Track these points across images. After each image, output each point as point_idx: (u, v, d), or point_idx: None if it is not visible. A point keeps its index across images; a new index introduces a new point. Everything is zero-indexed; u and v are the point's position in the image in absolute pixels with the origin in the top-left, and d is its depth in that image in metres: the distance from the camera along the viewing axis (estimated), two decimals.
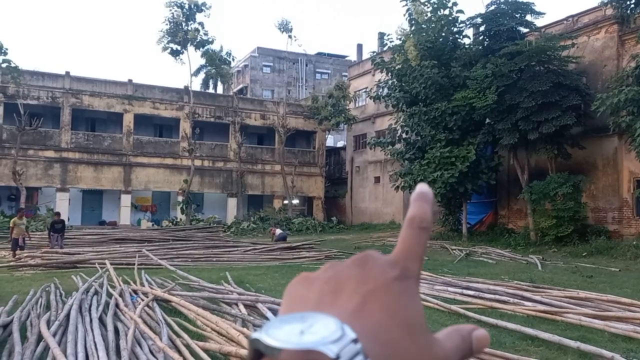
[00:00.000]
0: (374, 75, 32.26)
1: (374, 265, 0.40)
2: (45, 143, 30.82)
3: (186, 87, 34.82)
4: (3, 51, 28.48)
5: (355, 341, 0.34)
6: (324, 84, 46.43)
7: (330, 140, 40.99)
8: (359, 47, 44.73)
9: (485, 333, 0.41)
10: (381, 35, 26.82)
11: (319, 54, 54.58)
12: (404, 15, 23.64)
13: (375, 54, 27.73)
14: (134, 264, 12.58)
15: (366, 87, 34.99)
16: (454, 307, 7.82)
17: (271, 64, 50.54)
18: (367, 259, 0.41)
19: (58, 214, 18.28)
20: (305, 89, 49.42)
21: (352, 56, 49.70)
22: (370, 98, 28.72)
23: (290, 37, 47.52)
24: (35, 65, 67.89)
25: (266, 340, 0.34)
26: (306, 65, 51.90)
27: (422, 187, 0.42)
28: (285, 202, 35.66)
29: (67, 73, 31.87)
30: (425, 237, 0.40)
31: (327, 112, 35.18)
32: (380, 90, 26.26)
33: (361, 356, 0.34)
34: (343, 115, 34.97)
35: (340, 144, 40.98)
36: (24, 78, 29.68)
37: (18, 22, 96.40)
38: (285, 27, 44.88)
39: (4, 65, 28.71)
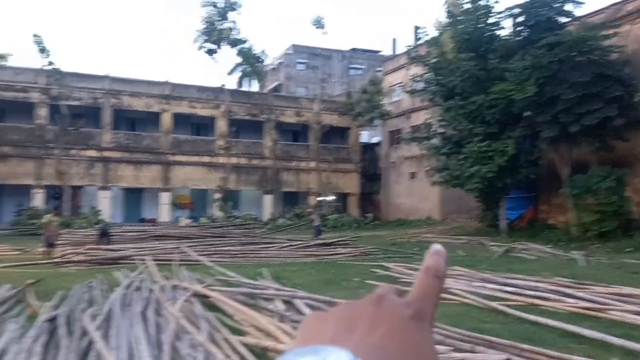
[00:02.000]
0: (408, 69, 31.95)
1: (389, 304, 0.41)
2: (87, 143, 31.74)
3: (222, 86, 35.30)
4: (47, 54, 29.52)
5: None
6: (358, 79, 46.24)
7: (364, 136, 40.85)
8: (394, 42, 44.39)
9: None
10: (417, 29, 26.51)
11: (353, 49, 54.40)
12: (441, 7, 23.33)
13: (411, 47, 27.43)
14: (173, 260, 12.85)
15: (401, 82, 34.71)
16: (493, 304, 7.69)
17: (306, 61, 50.65)
18: (383, 298, 0.41)
19: (107, 224, 19.27)
20: (340, 85, 49.34)
21: (386, 51, 49.37)
22: (406, 92, 28.48)
23: (324, 33, 47.54)
24: (77, 67, 69.92)
25: None
26: (340, 62, 51.82)
27: (437, 246, 0.44)
28: (320, 198, 35.76)
29: (108, 75, 32.73)
30: (440, 285, 0.42)
31: (362, 107, 35.06)
32: (416, 84, 26.00)
33: None
34: (377, 110, 34.79)
35: (375, 140, 40.79)
36: (67, 80, 30.65)
37: (60, 25, 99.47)
38: (319, 24, 44.92)
39: (48, 67, 29.74)
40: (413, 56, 25.15)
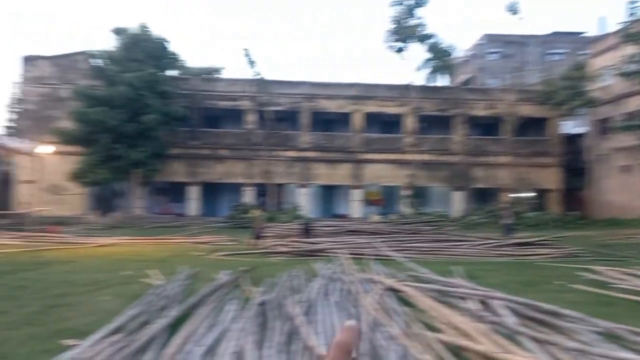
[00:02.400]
0: (619, 50, 28.32)
1: None
2: (288, 144, 34.50)
3: (409, 83, 35.40)
4: (255, 65, 32.93)
5: None
6: (558, 65, 42.36)
7: (566, 127, 37.28)
8: (601, 21, 39.73)
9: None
10: (630, 4, 23.36)
11: (553, 33, 50.08)
12: None
13: (625, 24, 24.25)
14: (365, 255, 13.32)
15: (610, 64, 30.90)
16: None
17: (499, 50, 48.16)
18: None
19: (309, 219, 21.06)
20: (536, 73, 45.79)
21: (591, 32, 44.39)
22: (617, 76, 25.31)
23: (519, 18, 44.52)
24: (279, 75, 76.39)
25: None
26: (537, 48, 48.12)
27: (349, 323, 0.48)
28: (515, 195, 33.68)
29: (306, 80, 35.20)
30: (349, 358, 0.41)
31: (563, 95, 32.09)
32: (630, 65, 22.94)
33: None
34: (582, 98, 31.51)
35: (578, 130, 36.99)
36: (271, 87, 33.80)
37: (265, 36, 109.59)
38: (513, 9, 42.24)
39: (255, 77, 33.16)
40: (627, 34, 22.23)
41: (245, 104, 34.36)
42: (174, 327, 5.93)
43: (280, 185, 34.89)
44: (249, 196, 33.60)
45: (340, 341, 0.39)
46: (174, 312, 6.57)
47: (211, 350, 5.15)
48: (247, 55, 34.24)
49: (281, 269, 11.47)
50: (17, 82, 33.72)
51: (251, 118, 34.39)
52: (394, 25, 34.53)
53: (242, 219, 28.40)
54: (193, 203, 33.74)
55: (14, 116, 38.38)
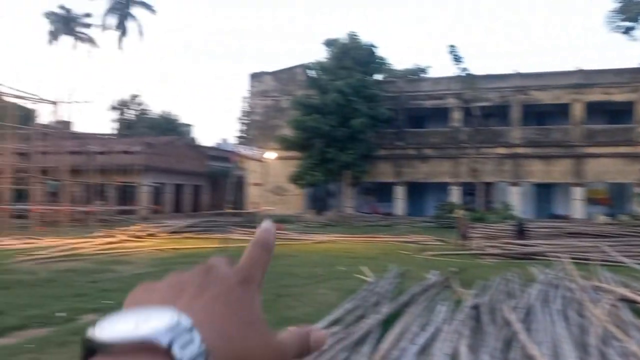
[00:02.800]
0: None
1: (217, 271, 0.43)
2: (497, 140, 32.88)
3: None
4: (461, 61, 32.13)
5: (190, 329, 0.35)
6: None
7: None
8: None
9: (322, 335, 0.45)
10: None
11: None
12: None
13: None
14: (591, 260, 12.01)
15: None
16: None
17: None
18: (211, 267, 0.43)
19: (522, 220, 19.99)
20: None
21: None
22: None
23: None
24: (487, 69, 73.44)
25: (97, 337, 0.34)
26: None
27: (267, 223, 0.49)
28: None
29: (516, 72, 33.16)
30: (267, 256, 0.46)
31: None
32: None
33: (196, 343, 0.35)
34: None
35: None
36: (478, 83, 32.61)
37: (471, 31, 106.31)
38: None
39: (462, 74, 32.37)
40: None
41: (450, 101, 33.76)
42: (386, 323, 6.11)
43: (488, 184, 33.41)
44: (455, 195, 32.89)
45: (258, 239, 0.42)
46: (386, 309, 6.77)
47: (424, 349, 5.19)
48: (452, 52, 33.59)
49: (492, 271, 10.99)
50: (246, 96, 38.24)
51: (457, 116, 33.63)
52: (621, 3, 30.46)
53: (448, 219, 27.95)
54: (399, 203, 34.29)
55: (244, 127, 43.68)
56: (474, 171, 32.24)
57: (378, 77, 36.05)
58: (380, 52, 35.23)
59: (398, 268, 11.09)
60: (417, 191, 35.12)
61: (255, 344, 0.40)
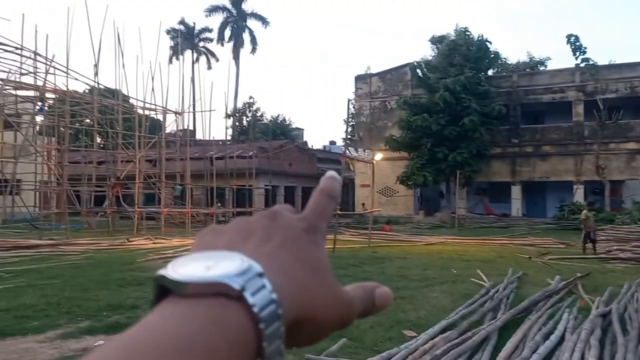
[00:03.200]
0: None
1: (283, 218, 0.43)
2: (626, 135, 30.19)
3: None
4: (582, 50, 29.89)
5: (261, 275, 0.35)
6: None
7: None
8: None
9: (386, 290, 0.45)
10: None
11: None
12: None
13: None
14: None
15: None
16: None
17: None
18: (277, 213, 0.43)
19: None
20: None
21: None
22: None
23: None
24: (611, 58, 67.72)
25: (172, 276, 0.34)
26: None
27: (332, 172, 0.48)
28: None
29: None
30: (333, 204, 0.45)
31: None
32: None
33: (267, 290, 0.35)
34: None
35: None
36: (602, 73, 30.15)
37: (594, 21, 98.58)
38: None
39: (582, 64, 30.10)
40: None
41: (571, 94, 31.55)
42: (504, 330, 5.87)
43: (617, 182, 30.73)
44: (578, 195, 30.65)
45: (323, 187, 0.41)
46: (504, 315, 6.51)
47: (546, 359, 4.92)
48: (572, 42, 31.32)
49: (623, 277, 10.11)
50: (352, 98, 38.57)
51: (579, 110, 31.34)
52: None
53: (570, 220, 26.20)
54: (515, 203, 32.64)
55: (351, 129, 44.09)
56: (600, 168, 29.80)
57: (490, 72, 34.62)
58: (491, 46, 33.83)
59: (516, 272, 10.59)
60: (535, 191, 33.23)
61: (323, 292, 0.40)
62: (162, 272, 0.35)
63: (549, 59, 45.15)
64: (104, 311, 7.29)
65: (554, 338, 5.51)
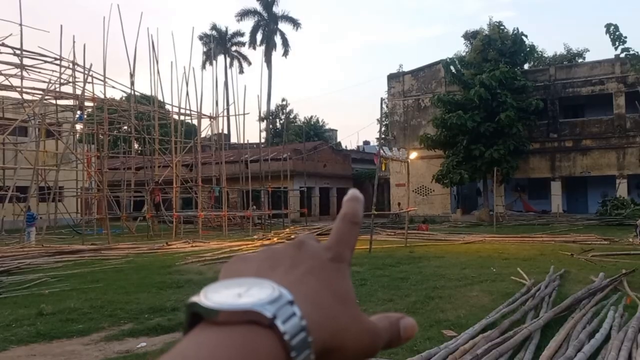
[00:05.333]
0: None
1: (309, 247, 0.43)
2: None
3: None
4: (622, 40, 28.87)
5: (291, 302, 0.36)
6: None
7: None
8: None
9: (412, 322, 0.44)
10: None
11: None
12: None
13: None
14: None
15: None
16: None
17: None
18: (303, 243, 0.43)
19: None
20: None
21: None
22: None
23: None
24: None
25: (204, 303, 0.35)
26: None
27: (354, 191, 0.47)
28: None
29: None
30: (356, 231, 0.45)
31: None
32: None
33: (297, 317, 0.35)
34: None
35: None
36: None
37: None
38: None
39: (622, 55, 29.08)
40: None
41: (611, 86, 30.57)
42: (547, 329, 5.72)
43: None
44: (621, 189, 29.65)
45: (346, 213, 0.41)
46: (546, 314, 6.34)
47: (592, 358, 4.77)
48: (611, 31, 30.30)
49: None
50: (385, 97, 38.34)
51: (620, 102, 30.34)
52: None
53: (614, 216, 25.37)
54: (555, 199, 31.82)
55: (385, 128, 43.83)
56: None
57: (526, 66, 33.84)
58: (527, 39, 33.04)
59: (558, 270, 10.31)
60: (576, 186, 32.34)
61: (351, 322, 0.40)
62: (194, 298, 0.36)
63: (587, 50, 43.93)
64: (145, 314, 7.44)
65: (599, 336, 5.34)
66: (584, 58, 38.35)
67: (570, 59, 36.88)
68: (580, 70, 32.29)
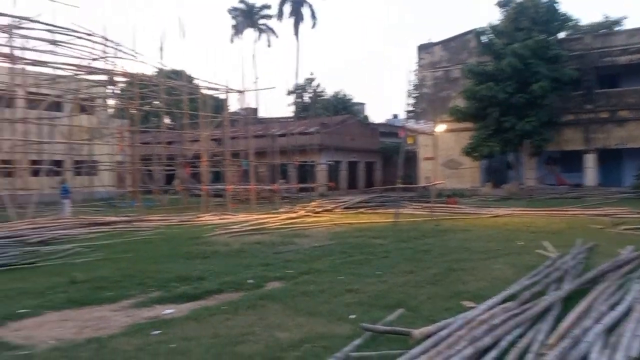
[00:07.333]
0: None
1: None
2: None
3: None
4: None
5: None
6: None
7: None
8: None
9: None
10: None
11: None
12: None
13: None
14: None
15: None
16: None
17: None
18: None
19: None
20: None
21: None
22: None
23: None
24: None
25: None
26: None
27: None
28: None
29: None
30: None
31: None
32: None
33: None
34: None
35: None
36: None
37: None
38: None
39: None
40: None
41: None
42: (568, 301, 5.68)
43: None
44: None
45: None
46: (569, 286, 6.29)
47: (611, 329, 4.73)
48: None
49: None
50: (414, 69, 37.75)
51: None
52: None
53: None
54: (589, 172, 31.06)
55: (413, 101, 43.21)
56: None
57: (561, 35, 32.72)
58: (561, 7, 31.85)
59: (586, 243, 10.16)
60: (611, 159, 31.44)
61: None
62: None
63: (625, 17, 42.14)
64: (173, 282, 7.67)
65: (621, 309, 5.28)
66: (622, 26, 36.76)
67: (607, 27, 35.38)
68: (618, 38, 31.04)
